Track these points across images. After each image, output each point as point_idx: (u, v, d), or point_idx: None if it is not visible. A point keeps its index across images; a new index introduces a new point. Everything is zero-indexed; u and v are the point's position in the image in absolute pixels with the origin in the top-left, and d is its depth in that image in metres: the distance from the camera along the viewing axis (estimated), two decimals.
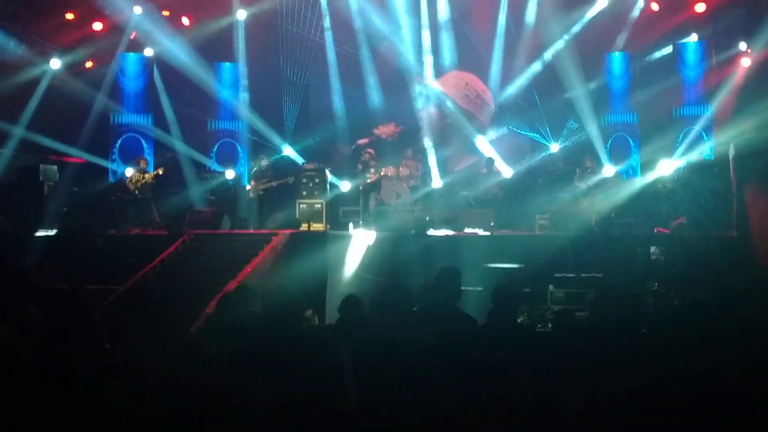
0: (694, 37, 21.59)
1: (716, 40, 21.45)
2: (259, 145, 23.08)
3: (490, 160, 21.39)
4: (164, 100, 23.18)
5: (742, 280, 8.87)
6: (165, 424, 5.35)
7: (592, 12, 22.25)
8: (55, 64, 21.74)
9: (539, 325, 12.15)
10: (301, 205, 20.28)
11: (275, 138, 23.25)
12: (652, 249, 15.42)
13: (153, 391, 5.61)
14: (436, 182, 21.92)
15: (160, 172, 19.93)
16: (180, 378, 5.73)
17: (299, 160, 22.85)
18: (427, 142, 22.90)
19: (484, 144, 22.84)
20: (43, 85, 21.62)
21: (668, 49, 21.96)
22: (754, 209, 16.49)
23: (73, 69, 22.11)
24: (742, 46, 20.78)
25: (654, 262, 15.52)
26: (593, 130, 21.79)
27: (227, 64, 23.88)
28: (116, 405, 5.39)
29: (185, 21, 22.62)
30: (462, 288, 7.43)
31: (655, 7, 21.64)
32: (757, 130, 17.22)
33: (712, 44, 21.74)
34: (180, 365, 5.95)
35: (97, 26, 22.14)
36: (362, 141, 22.41)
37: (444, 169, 22.64)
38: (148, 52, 23.30)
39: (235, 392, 5.58)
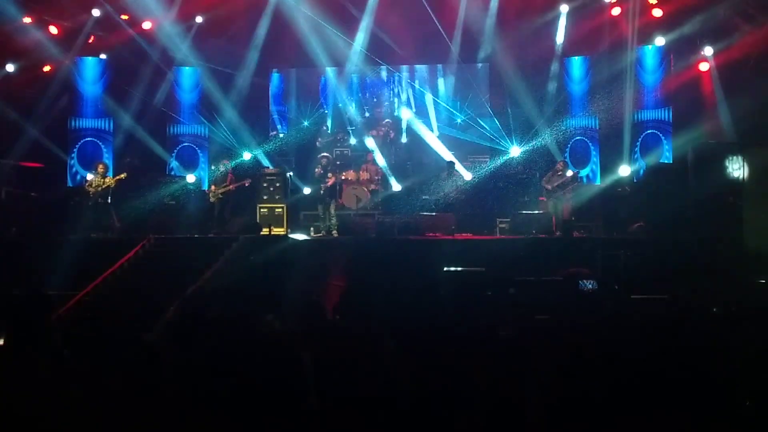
0: (654, 42, 21.70)
1: (675, 44, 21.60)
2: (221, 149, 22.97)
3: (451, 164, 21.39)
4: (122, 104, 22.84)
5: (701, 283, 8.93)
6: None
7: (552, 16, 22.36)
8: (10, 68, 21.48)
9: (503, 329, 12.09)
10: (262, 209, 20.26)
11: (237, 142, 23.17)
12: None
13: (112, 398, 5.53)
14: (396, 186, 21.83)
15: (123, 177, 19.70)
16: (139, 385, 5.66)
17: (266, 162, 22.83)
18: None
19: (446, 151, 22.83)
20: None
21: (628, 54, 22.01)
22: None
23: (30, 73, 21.87)
24: (702, 50, 21.00)
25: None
26: (549, 136, 21.90)
27: (186, 68, 23.68)
28: (75, 412, 5.31)
29: (146, 25, 22.34)
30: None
31: (616, 11, 21.75)
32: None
33: (671, 49, 21.88)
34: (138, 371, 5.88)
35: (53, 30, 21.88)
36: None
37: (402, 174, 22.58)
38: (104, 56, 23.14)
39: (195, 397, 5.52)
